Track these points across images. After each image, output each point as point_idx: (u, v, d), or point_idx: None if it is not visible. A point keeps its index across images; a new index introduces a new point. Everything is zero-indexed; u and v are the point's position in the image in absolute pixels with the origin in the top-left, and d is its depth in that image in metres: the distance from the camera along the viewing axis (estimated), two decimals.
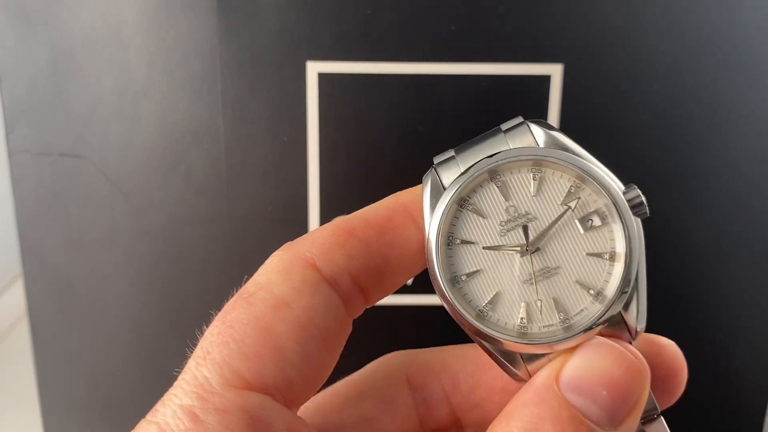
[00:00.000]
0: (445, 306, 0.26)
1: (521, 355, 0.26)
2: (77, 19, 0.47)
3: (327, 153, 0.48)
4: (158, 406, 0.25)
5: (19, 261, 0.51)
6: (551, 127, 0.27)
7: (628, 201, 0.26)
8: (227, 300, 0.27)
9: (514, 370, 0.26)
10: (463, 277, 0.26)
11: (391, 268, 0.27)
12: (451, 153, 0.28)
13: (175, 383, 0.25)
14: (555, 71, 0.47)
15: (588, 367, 0.24)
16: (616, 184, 0.26)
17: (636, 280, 0.25)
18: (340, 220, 0.27)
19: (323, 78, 0.47)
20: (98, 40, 0.47)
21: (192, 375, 0.25)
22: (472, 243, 0.26)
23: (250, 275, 0.27)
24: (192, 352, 0.26)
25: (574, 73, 0.47)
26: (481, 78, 0.47)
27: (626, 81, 0.47)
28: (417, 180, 0.30)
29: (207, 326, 0.26)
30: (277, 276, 0.26)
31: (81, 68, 0.47)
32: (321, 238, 0.27)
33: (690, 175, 0.49)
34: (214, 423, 0.24)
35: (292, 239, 0.28)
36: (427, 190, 0.27)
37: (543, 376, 0.24)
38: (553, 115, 0.48)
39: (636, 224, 0.26)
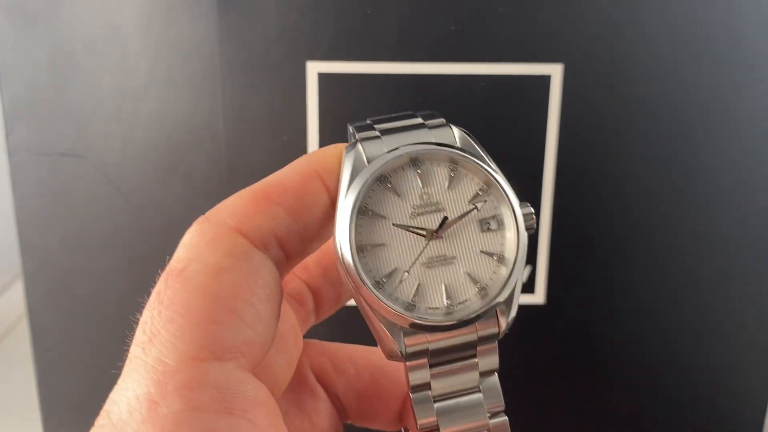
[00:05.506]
0: (347, 271, 0.27)
1: (402, 330, 0.27)
2: (77, 19, 0.47)
3: None
4: (107, 406, 0.22)
5: (19, 261, 0.51)
6: (468, 133, 0.29)
7: (523, 215, 0.28)
8: None
9: (392, 340, 0.27)
10: (369, 247, 0.27)
11: (308, 232, 0.27)
12: (375, 133, 0.29)
13: (121, 377, 0.23)
14: (555, 71, 0.47)
15: None
16: (515, 197, 0.28)
17: (515, 284, 0.28)
18: (253, 188, 0.26)
19: (323, 78, 0.47)
20: (98, 40, 0.47)
21: (141, 362, 0.22)
22: (384, 217, 0.28)
23: None
24: (131, 344, 0.23)
25: (574, 73, 0.47)
26: (481, 78, 0.47)
27: (626, 81, 0.47)
28: None
29: (140, 314, 0.24)
30: (206, 247, 0.25)
31: (81, 68, 0.47)
32: (240, 206, 0.26)
33: (690, 175, 0.49)
34: (176, 406, 0.21)
35: None
36: (349, 161, 0.28)
37: None
38: (553, 115, 0.48)
39: (524, 236, 0.28)
